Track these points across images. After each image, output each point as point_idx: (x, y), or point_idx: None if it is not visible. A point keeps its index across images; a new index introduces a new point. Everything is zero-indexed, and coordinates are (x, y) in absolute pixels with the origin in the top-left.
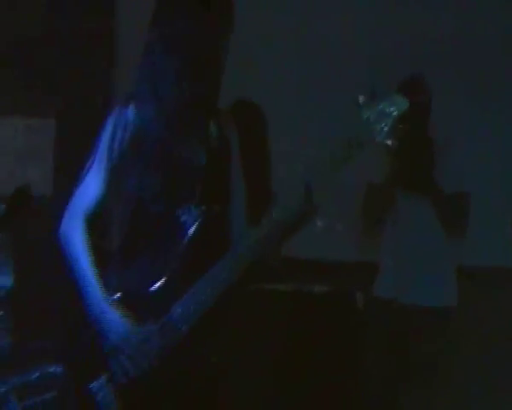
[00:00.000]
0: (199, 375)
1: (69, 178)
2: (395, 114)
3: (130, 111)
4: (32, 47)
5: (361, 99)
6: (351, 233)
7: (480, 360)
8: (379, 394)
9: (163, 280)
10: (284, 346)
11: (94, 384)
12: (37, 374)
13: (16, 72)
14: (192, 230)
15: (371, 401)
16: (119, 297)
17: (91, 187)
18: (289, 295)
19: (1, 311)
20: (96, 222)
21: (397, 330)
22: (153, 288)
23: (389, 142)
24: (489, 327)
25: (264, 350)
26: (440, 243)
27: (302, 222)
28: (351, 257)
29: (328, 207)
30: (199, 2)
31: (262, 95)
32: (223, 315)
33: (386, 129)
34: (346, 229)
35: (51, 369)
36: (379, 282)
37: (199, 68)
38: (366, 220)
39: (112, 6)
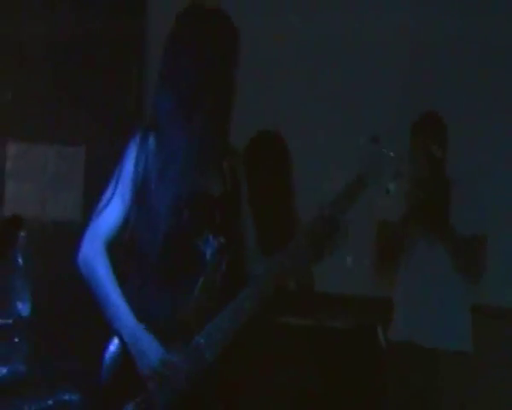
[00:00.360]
0: None
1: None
2: (396, 157)
3: (151, 141)
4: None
5: (363, 142)
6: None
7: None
8: None
9: (186, 309)
10: (306, 381)
11: None
12: (50, 402)
13: (47, 100)
14: (211, 260)
15: None
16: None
17: (114, 212)
18: (311, 330)
19: (17, 338)
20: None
21: (411, 372)
22: (176, 317)
23: (391, 187)
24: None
25: (285, 385)
26: (454, 286)
27: (327, 249)
28: (371, 292)
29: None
30: (208, 43)
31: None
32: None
33: (386, 173)
34: (369, 263)
35: (66, 396)
36: (393, 324)
37: (214, 102)
38: (379, 260)
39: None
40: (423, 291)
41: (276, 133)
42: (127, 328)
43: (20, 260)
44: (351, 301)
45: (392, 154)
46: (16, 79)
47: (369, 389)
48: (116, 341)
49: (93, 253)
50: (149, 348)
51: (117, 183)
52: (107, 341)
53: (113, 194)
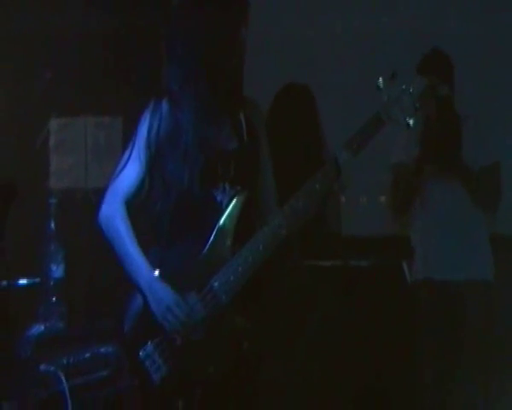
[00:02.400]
0: (231, 355)
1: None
2: (414, 93)
3: (164, 104)
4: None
5: (381, 81)
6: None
7: None
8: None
9: (202, 255)
10: (334, 321)
11: (141, 353)
12: (87, 354)
13: (84, 72)
14: (228, 208)
15: (425, 370)
16: (159, 273)
17: (131, 174)
18: (336, 271)
19: (54, 296)
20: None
21: (437, 308)
22: (193, 263)
23: (410, 121)
24: None
25: (312, 326)
26: (471, 217)
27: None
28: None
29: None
30: (217, 2)
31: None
32: (265, 290)
33: (406, 108)
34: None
35: (102, 349)
36: (415, 264)
37: (223, 62)
38: (394, 202)
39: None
40: (441, 227)
41: (302, 85)
42: (144, 279)
43: (52, 226)
44: (374, 241)
45: (411, 89)
46: (53, 55)
47: (398, 324)
48: (135, 292)
49: (112, 211)
50: (164, 295)
51: (133, 146)
52: (129, 293)
53: (129, 156)
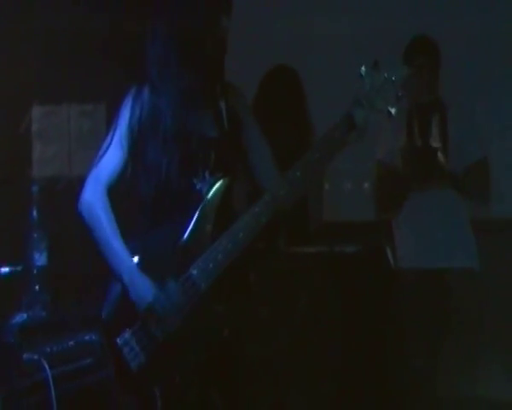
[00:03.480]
0: (211, 342)
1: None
2: (396, 81)
3: (146, 91)
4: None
5: (363, 69)
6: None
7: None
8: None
9: (181, 243)
10: (321, 307)
11: (119, 340)
12: (71, 342)
13: (68, 60)
14: (208, 195)
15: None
16: (139, 259)
17: (113, 159)
18: (321, 257)
19: (37, 285)
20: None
21: (421, 296)
22: (172, 250)
23: (392, 110)
24: None
25: (298, 313)
26: (455, 206)
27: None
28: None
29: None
30: None
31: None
32: (245, 277)
33: (388, 97)
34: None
35: (86, 337)
36: (397, 252)
37: (202, 49)
38: (379, 198)
39: None
40: (424, 216)
41: (289, 67)
42: (125, 270)
43: (35, 214)
44: (358, 227)
45: (393, 78)
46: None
47: (382, 307)
48: (114, 279)
49: (94, 198)
50: (144, 288)
51: (114, 131)
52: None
53: (110, 142)
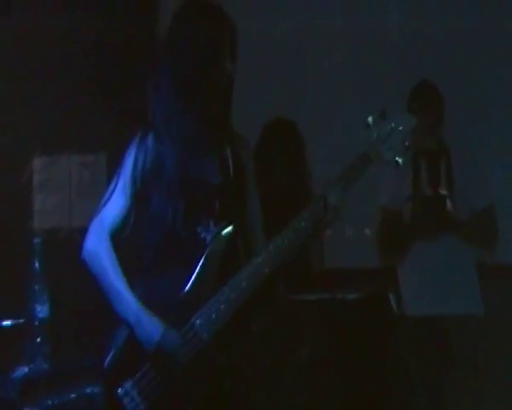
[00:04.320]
0: (213, 393)
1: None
2: (404, 131)
3: (150, 138)
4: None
5: (370, 119)
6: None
7: None
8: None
9: (184, 292)
10: (323, 355)
11: (120, 390)
12: (73, 395)
13: (66, 110)
14: (211, 245)
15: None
16: None
17: (116, 207)
18: (322, 304)
19: (39, 337)
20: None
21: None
22: (175, 299)
23: (400, 159)
24: None
25: (301, 360)
26: (460, 253)
27: (324, 226)
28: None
29: (355, 215)
30: (203, 35)
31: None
32: (248, 327)
33: (395, 147)
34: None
35: (88, 390)
36: (407, 300)
37: (207, 97)
38: (381, 244)
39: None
40: (431, 263)
41: (288, 120)
42: (131, 311)
43: (36, 265)
44: (360, 273)
45: (400, 128)
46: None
47: (385, 354)
48: (120, 326)
49: (98, 244)
50: (152, 325)
51: (118, 178)
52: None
53: (114, 188)
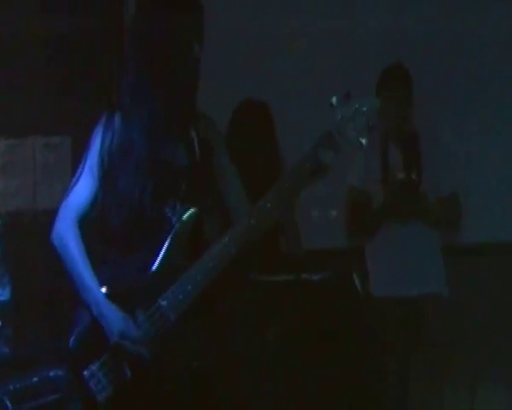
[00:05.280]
0: (179, 377)
1: None
2: (367, 112)
3: (117, 119)
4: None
5: (335, 99)
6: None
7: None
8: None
9: (152, 273)
10: (291, 335)
11: (86, 372)
12: (35, 378)
13: (31, 92)
14: (178, 225)
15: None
16: (108, 290)
17: (84, 190)
18: (287, 286)
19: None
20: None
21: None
22: (142, 280)
23: (363, 140)
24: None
25: (265, 342)
26: (425, 234)
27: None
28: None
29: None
30: (170, 18)
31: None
32: (214, 308)
33: (359, 128)
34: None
35: (51, 373)
36: (374, 281)
37: (173, 77)
38: (352, 228)
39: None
40: (398, 245)
41: (260, 100)
42: (94, 301)
43: None
44: (326, 254)
45: (364, 109)
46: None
47: (350, 333)
48: (84, 308)
49: (65, 229)
50: (113, 318)
51: (85, 161)
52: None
53: (82, 171)
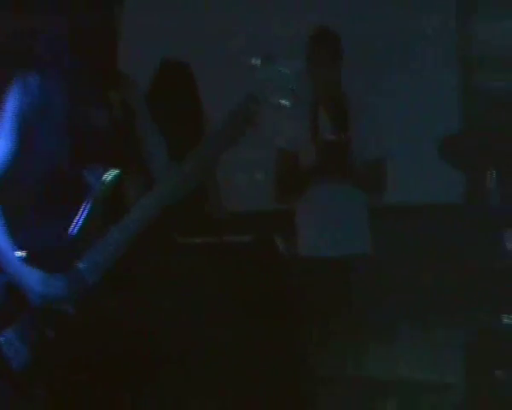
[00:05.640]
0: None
1: None
2: (289, 74)
3: (34, 79)
4: None
5: (257, 61)
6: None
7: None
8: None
9: (71, 236)
10: (214, 299)
11: (1, 338)
12: None
13: None
14: (98, 188)
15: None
16: (26, 254)
17: (1, 153)
18: (209, 248)
19: None
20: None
21: (318, 283)
22: (61, 243)
23: (286, 103)
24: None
25: (187, 305)
26: (357, 201)
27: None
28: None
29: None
30: None
31: None
32: (137, 271)
33: (281, 90)
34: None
35: None
36: (297, 240)
37: (93, 38)
38: (280, 189)
39: None
40: (326, 206)
41: (180, 61)
42: (11, 265)
43: None
44: (252, 217)
45: (287, 71)
46: None
47: (271, 297)
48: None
49: None
50: (33, 277)
51: (1, 122)
52: None
53: None
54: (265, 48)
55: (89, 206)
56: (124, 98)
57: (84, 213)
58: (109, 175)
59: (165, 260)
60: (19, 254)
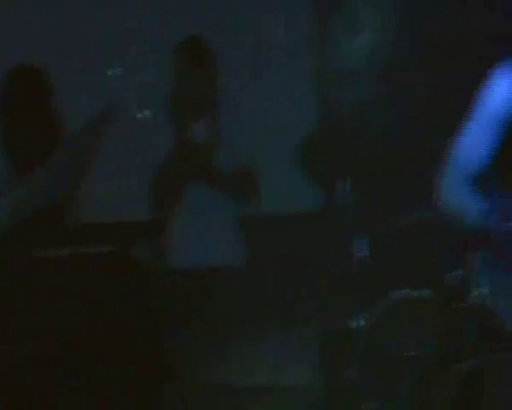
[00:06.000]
0: None
1: None
2: (149, 83)
3: None
4: None
5: (111, 72)
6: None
7: None
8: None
9: None
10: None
11: None
12: None
13: None
14: None
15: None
16: None
17: None
18: (66, 260)
19: None
20: None
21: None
22: None
23: (140, 114)
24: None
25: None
26: (227, 209)
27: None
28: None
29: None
30: None
31: None
32: None
33: (137, 99)
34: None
35: None
36: (168, 251)
37: None
38: (153, 197)
39: None
40: (194, 214)
41: (33, 65)
42: None
43: None
44: (111, 227)
45: (146, 81)
46: None
47: (132, 309)
48: None
49: None
50: None
51: None
52: None
53: None
54: (127, 57)
55: None
56: None
57: None
58: None
59: (17, 274)
60: None
